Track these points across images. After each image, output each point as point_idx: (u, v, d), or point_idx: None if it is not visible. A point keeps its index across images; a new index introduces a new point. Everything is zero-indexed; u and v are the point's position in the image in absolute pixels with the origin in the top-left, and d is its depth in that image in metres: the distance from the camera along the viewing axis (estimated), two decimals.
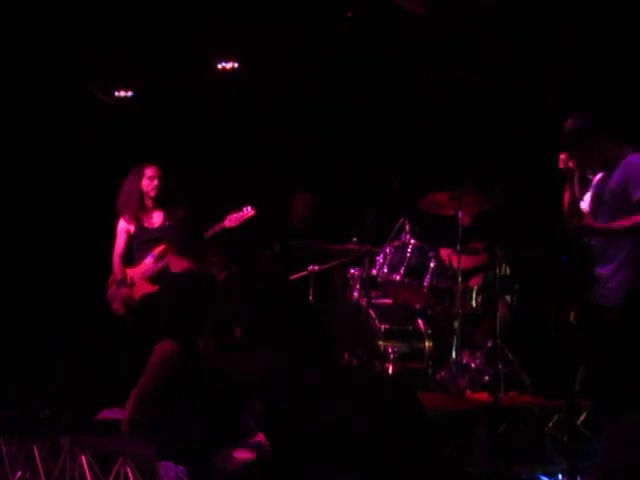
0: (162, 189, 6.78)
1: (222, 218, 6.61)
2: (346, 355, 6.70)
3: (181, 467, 4.64)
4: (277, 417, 4.79)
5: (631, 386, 4.73)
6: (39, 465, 5.94)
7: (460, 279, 6.53)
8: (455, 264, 6.60)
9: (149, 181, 6.76)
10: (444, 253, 6.87)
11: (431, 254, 6.81)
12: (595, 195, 5.07)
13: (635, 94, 6.57)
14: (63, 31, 7.74)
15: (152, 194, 6.77)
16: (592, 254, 5.04)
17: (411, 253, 6.82)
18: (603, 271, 4.96)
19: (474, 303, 6.79)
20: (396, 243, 6.92)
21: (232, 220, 6.60)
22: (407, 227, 6.94)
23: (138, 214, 6.79)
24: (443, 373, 6.59)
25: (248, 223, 6.63)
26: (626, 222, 4.89)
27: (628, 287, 4.82)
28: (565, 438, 4.79)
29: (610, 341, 4.88)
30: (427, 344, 6.84)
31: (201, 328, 5.04)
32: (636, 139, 5.05)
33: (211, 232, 6.57)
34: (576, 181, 5.14)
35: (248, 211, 6.64)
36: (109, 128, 8.68)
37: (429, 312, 7.03)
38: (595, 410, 5.03)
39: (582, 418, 5.33)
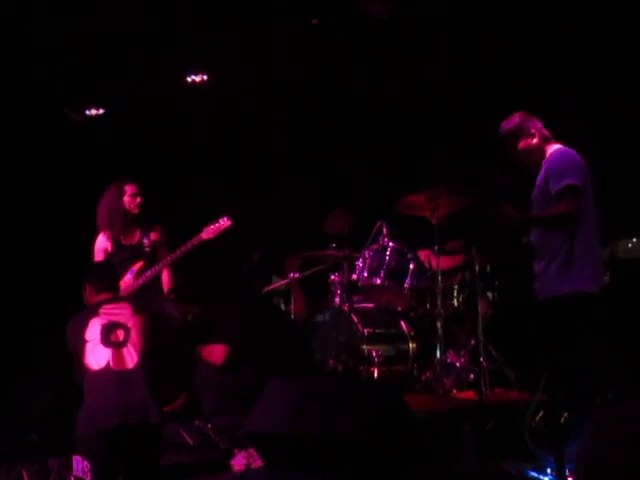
0: (142, 206, 6.76)
1: (199, 230, 6.60)
2: (331, 361, 6.70)
3: (86, 462, 4.82)
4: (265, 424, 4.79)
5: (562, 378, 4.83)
6: None
7: (440, 279, 6.54)
8: (434, 265, 6.61)
9: (131, 198, 6.72)
10: (422, 254, 6.88)
11: (410, 256, 6.83)
12: (533, 195, 5.14)
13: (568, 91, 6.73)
14: (33, 50, 7.72)
15: (135, 211, 6.73)
16: (531, 250, 5.15)
17: (390, 256, 6.84)
18: (538, 266, 5.06)
19: (456, 302, 6.81)
20: (375, 247, 6.94)
21: (209, 232, 6.56)
22: (385, 230, 6.96)
23: (120, 232, 6.75)
24: (428, 374, 6.61)
25: (225, 234, 6.62)
26: (542, 212, 5.02)
27: (554, 285, 4.90)
28: (551, 433, 4.81)
29: (545, 332, 5.02)
30: (411, 346, 6.86)
31: None
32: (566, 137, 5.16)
33: (189, 245, 6.55)
34: None
35: (225, 222, 6.61)
36: (82, 146, 8.66)
37: (411, 314, 7.04)
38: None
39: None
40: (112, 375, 4.99)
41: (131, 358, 5.04)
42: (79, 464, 4.85)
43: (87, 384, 5.05)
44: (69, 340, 5.22)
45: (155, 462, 5.08)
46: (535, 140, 5.14)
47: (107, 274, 5.61)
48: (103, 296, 5.35)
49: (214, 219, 6.63)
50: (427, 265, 6.80)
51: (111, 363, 5.01)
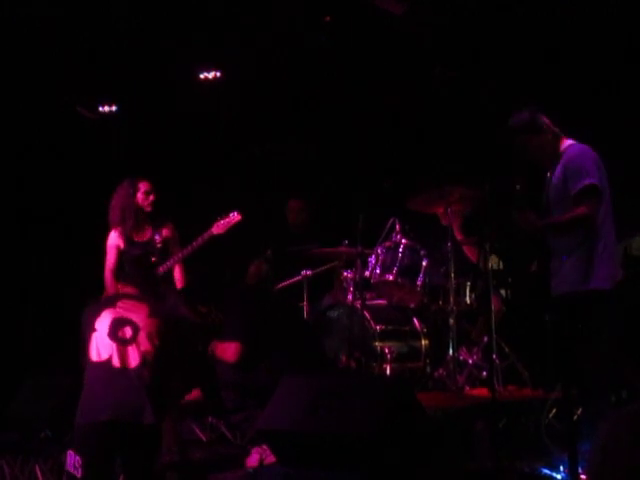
0: (155, 204, 6.78)
1: (209, 226, 6.61)
2: (344, 358, 6.69)
3: (78, 457, 4.77)
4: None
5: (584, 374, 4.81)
6: None
7: (453, 275, 6.53)
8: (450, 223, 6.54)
9: (145, 196, 6.74)
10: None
11: (423, 253, 6.81)
12: (545, 193, 5.10)
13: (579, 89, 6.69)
14: (45, 48, 7.74)
15: (148, 209, 6.76)
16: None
17: (403, 253, 6.82)
18: (553, 264, 5.02)
19: (468, 299, 6.79)
20: (387, 243, 6.92)
21: (219, 227, 6.58)
22: (397, 227, 6.95)
23: (132, 229, 6.77)
24: (441, 371, 6.59)
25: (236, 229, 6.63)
26: (564, 217, 4.95)
27: (572, 282, 4.88)
28: (564, 430, 4.79)
29: (560, 329, 5.00)
30: (424, 343, 6.84)
31: None
32: (577, 133, 5.11)
33: (200, 240, 6.56)
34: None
35: (235, 216, 6.62)
36: (94, 143, 8.68)
37: (425, 310, 7.02)
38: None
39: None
40: (111, 370, 4.94)
41: (134, 358, 4.99)
42: (72, 459, 4.81)
43: (87, 374, 5.03)
44: (82, 325, 5.18)
45: (150, 463, 5.01)
46: (547, 135, 5.06)
47: (140, 269, 5.61)
48: (128, 289, 5.35)
49: (224, 214, 6.65)
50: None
51: (113, 358, 4.97)
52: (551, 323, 5.25)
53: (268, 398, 4.89)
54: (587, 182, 4.82)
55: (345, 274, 7.19)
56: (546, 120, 5.09)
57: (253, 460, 5.26)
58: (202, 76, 8.31)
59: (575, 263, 4.89)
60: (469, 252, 6.81)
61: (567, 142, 5.07)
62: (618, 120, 6.83)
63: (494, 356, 6.00)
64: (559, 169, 5.00)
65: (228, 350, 5.66)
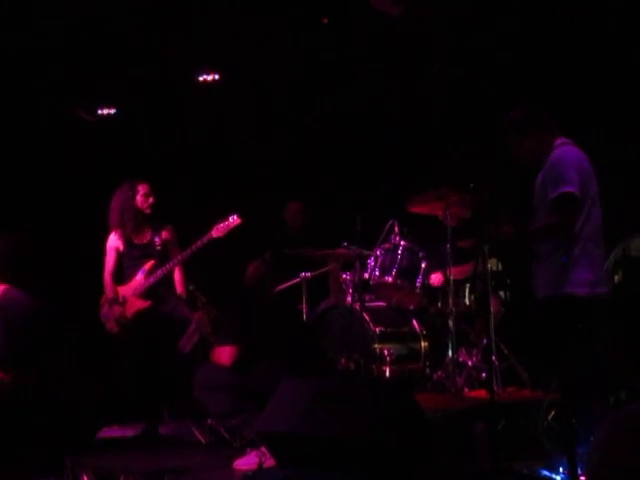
0: (154, 206, 6.78)
1: (209, 229, 6.61)
2: (343, 360, 6.70)
3: None
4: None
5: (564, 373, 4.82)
6: None
7: (451, 278, 6.53)
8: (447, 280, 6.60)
9: (144, 198, 6.75)
10: (435, 279, 6.87)
11: (421, 254, 6.82)
12: (535, 193, 5.08)
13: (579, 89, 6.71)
14: (44, 50, 7.75)
15: (147, 211, 6.76)
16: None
17: (402, 255, 6.83)
18: (533, 266, 5.01)
19: (467, 301, 6.80)
20: (386, 245, 6.93)
21: (219, 230, 6.57)
22: (396, 229, 6.96)
23: (131, 231, 6.77)
24: (440, 372, 6.60)
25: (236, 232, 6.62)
26: (537, 226, 4.96)
27: (545, 286, 4.89)
28: (563, 432, 4.79)
29: (539, 330, 5.05)
30: (423, 344, 6.86)
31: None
32: (572, 132, 5.08)
33: (199, 243, 6.56)
34: None
35: (234, 220, 6.62)
36: (94, 146, 8.69)
37: (424, 312, 7.03)
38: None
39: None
40: None
41: None
42: None
43: None
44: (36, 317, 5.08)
45: None
46: (541, 134, 5.00)
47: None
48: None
49: (224, 217, 6.64)
50: (440, 285, 6.78)
51: None
52: (533, 325, 5.27)
53: (266, 401, 4.89)
54: (562, 190, 4.77)
55: (344, 276, 7.20)
56: (544, 118, 5.04)
57: (244, 462, 5.24)
58: (201, 78, 8.33)
59: (549, 268, 4.87)
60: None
61: (560, 141, 4.99)
62: (617, 120, 6.83)
63: (493, 357, 6.03)
64: (542, 173, 4.95)
65: (223, 353, 5.64)
